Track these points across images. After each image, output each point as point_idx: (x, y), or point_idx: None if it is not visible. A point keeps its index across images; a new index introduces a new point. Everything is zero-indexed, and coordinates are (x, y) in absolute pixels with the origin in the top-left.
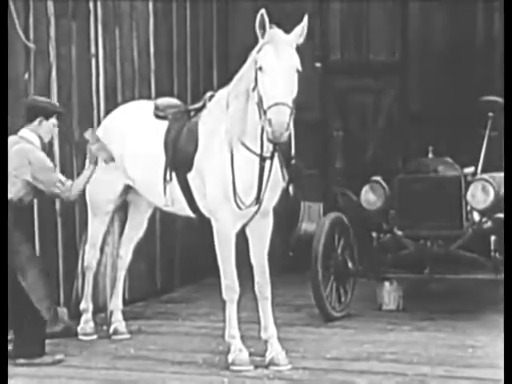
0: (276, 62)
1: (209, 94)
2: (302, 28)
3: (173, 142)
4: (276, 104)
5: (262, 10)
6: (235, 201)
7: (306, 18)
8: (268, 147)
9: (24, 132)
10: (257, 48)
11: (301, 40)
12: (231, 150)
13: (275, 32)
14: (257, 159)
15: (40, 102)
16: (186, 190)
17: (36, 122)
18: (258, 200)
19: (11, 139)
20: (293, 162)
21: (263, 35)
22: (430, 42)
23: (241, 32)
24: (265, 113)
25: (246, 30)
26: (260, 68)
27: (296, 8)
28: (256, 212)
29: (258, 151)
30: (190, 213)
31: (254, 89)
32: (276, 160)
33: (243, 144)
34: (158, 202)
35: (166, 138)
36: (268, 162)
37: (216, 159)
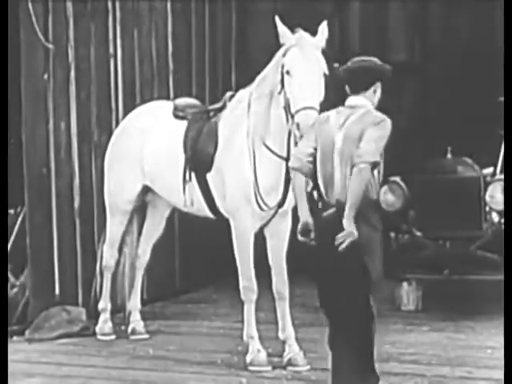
0: (304, 66)
1: (229, 94)
2: (322, 30)
3: (192, 142)
4: (304, 108)
5: (275, 17)
6: (257, 202)
7: (325, 23)
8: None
9: (359, 100)
10: (282, 51)
11: (324, 43)
12: (253, 152)
13: (301, 35)
14: (279, 161)
15: (378, 64)
16: (205, 190)
17: (372, 89)
18: (282, 203)
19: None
20: None
21: (282, 37)
22: (449, 42)
23: (260, 32)
24: (292, 116)
25: (265, 30)
26: (287, 72)
27: (315, 8)
28: (275, 213)
29: (282, 153)
30: (208, 213)
31: (280, 92)
32: None
33: (266, 146)
34: (176, 202)
35: (186, 138)
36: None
37: (236, 159)
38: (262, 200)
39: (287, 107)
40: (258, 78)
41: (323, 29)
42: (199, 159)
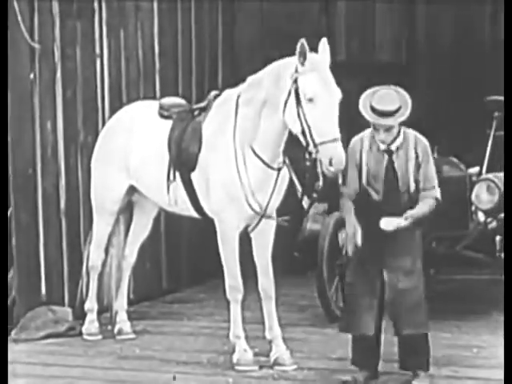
0: (328, 96)
1: (213, 93)
2: (324, 47)
3: (177, 142)
4: (335, 140)
5: (303, 40)
6: (242, 204)
7: (324, 39)
8: (278, 159)
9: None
10: (291, 69)
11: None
12: (240, 154)
13: (316, 59)
14: (265, 168)
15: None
16: (189, 190)
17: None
18: (265, 209)
19: None
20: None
21: (303, 63)
22: (436, 42)
23: (246, 32)
24: (315, 146)
25: (252, 30)
26: (310, 99)
27: (302, 8)
28: (261, 218)
29: (271, 163)
30: (193, 213)
31: (284, 111)
32: (284, 170)
33: (253, 150)
34: (161, 201)
35: (170, 137)
36: (276, 173)
37: (221, 160)
38: (247, 202)
39: (307, 134)
40: (249, 82)
41: (325, 45)
42: (183, 158)
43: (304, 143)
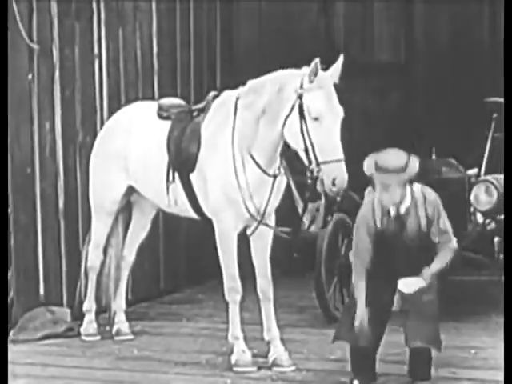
0: (333, 115)
1: (212, 94)
2: (338, 66)
3: (175, 143)
4: (339, 160)
5: (317, 60)
6: (244, 203)
7: (341, 57)
8: (274, 165)
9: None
10: (295, 83)
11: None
12: (239, 158)
13: (324, 77)
14: (261, 174)
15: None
16: (188, 191)
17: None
18: (263, 215)
19: None
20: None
21: (312, 81)
22: (434, 42)
23: (245, 33)
24: (318, 164)
25: (250, 31)
26: (316, 118)
27: (300, 8)
28: (260, 221)
29: (268, 170)
30: (192, 214)
31: (284, 125)
32: (282, 176)
33: (252, 156)
34: (160, 202)
35: (169, 138)
36: (272, 180)
37: (219, 161)
38: (245, 204)
39: (309, 151)
40: (250, 86)
41: (339, 65)
42: (182, 159)
43: (306, 161)
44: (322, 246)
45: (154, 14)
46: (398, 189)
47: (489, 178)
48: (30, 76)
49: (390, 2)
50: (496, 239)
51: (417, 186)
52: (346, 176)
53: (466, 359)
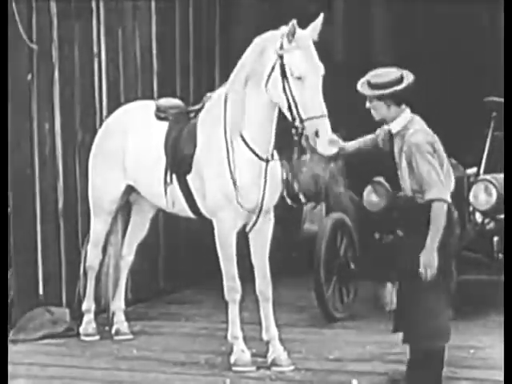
0: (315, 73)
1: (208, 94)
2: (317, 24)
3: (173, 144)
4: (322, 116)
5: (294, 22)
6: (237, 199)
7: (321, 16)
8: (269, 149)
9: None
10: (275, 44)
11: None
12: (231, 145)
13: (303, 36)
14: (255, 160)
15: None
16: (186, 192)
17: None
18: (261, 204)
19: None
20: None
21: (291, 41)
22: (433, 41)
23: (244, 33)
24: (302, 121)
25: (249, 31)
26: (298, 77)
27: (299, 8)
28: (259, 214)
29: (258, 151)
30: (190, 214)
31: (266, 86)
32: (277, 162)
33: (243, 138)
34: (159, 203)
35: (167, 139)
36: (265, 165)
37: (215, 159)
38: (241, 198)
39: (292, 109)
40: (233, 73)
41: (319, 22)
42: (179, 161)
43: (290, 118)
44: (321, 246)
45: (154, 14)
46: (393, 107)
47: (488, 177)
48: (29, 76)
49: (389, 3)
50: (495, 239)
51: (416, 123)
52: (329, 128)
53: (465, 358)
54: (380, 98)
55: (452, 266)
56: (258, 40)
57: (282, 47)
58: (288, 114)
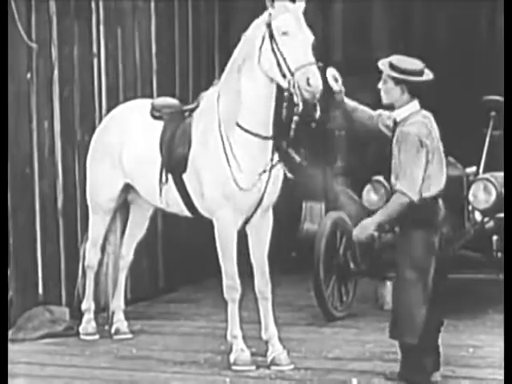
0: (302, 28)
1: (203, 93)
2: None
3: (168, 143)
4: (310, 63)
5: None
6: (234, 181)
7: None
8: (267, 126)
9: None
10: (263, 19)
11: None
12: (227, 138)
13: (288, 4)
14: (255, 139)
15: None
16: (182, 191)
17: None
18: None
19: None
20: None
21: (273, 5)
22: (432, 40)
23: (243, 32)
24: (292, 74)
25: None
26: (285, 33)
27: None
28: (257, 207)
29: (256, 130)
30: (187, 213)
31: (260, 57)
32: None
33: (239, 126)
34: (155, 202)
35: (162, 138)
36: (266, 143)
37: (211, 156)
38: (240, 180)
39: (281, 64)
40: (226, 71)
41: None
42: (174, 160)
43: (280, 75)
44: (320, 245)
45: (153, 14)
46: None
47: (487, 176)
48: (28, 75)
49: (388, 1)
50: (494, 237)
51: (421, 114)
52: (319, 76)
53: (464, 357)
54: (398, 82)
55: (431, 265)
56: (246, 33)
57: (270, 15)
58: (279, 73)
